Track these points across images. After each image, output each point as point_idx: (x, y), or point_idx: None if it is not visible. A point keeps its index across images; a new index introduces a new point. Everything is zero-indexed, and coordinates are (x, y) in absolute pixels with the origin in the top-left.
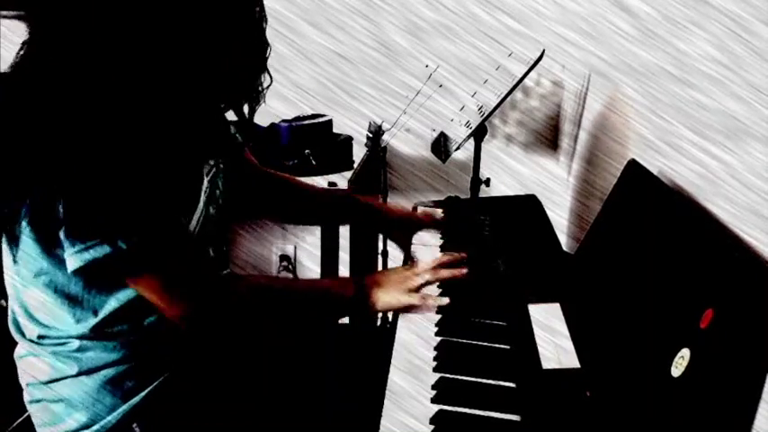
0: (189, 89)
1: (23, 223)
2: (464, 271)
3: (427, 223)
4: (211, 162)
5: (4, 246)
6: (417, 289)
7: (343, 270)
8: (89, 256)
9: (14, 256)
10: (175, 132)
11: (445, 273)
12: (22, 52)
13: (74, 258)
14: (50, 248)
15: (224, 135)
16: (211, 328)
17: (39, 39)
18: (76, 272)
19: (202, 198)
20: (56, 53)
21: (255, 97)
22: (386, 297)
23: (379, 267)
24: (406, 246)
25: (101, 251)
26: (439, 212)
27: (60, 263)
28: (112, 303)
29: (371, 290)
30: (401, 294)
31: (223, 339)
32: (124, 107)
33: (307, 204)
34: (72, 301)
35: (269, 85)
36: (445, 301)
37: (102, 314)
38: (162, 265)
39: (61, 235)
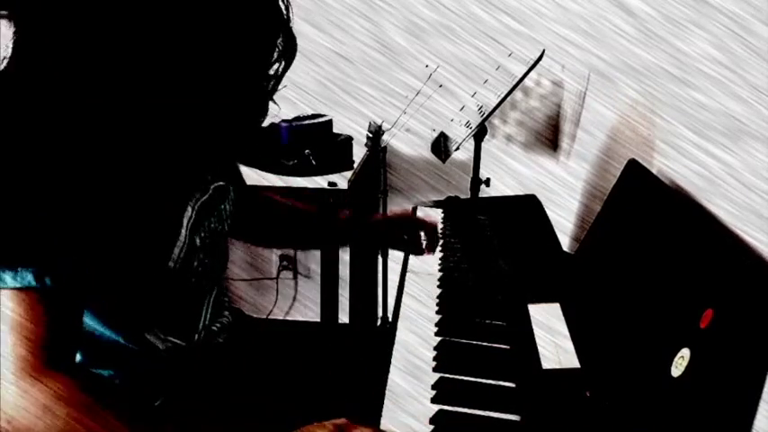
0: (184, 101)
1: None
2: None
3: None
4: (210, 188)
5: None
6: None
7: (343, 269)
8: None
9: None
10: (161, 152)
11: None
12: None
13: None
14: None
15: (227, 160)
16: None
17: (22, 39)
18: None
19: (183, 229)
20: (35, 56)
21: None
22: None
23: (380, 267)
24: (416, 243)
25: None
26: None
27: None
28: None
29: None
30: None
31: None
32: (106, 122)
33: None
34: None
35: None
36: None
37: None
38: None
39: None
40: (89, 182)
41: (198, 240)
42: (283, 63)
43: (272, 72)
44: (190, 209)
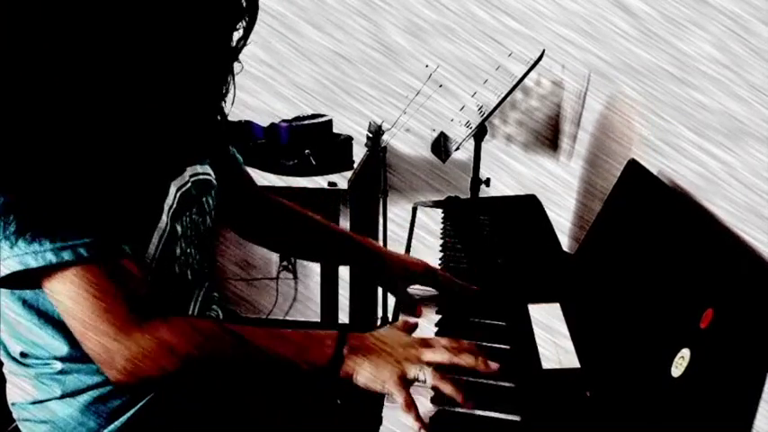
0: (147, 91)
1: None
2: (493, 367)
3: (426, 278)
4: (186, 177)
5: None
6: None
7: (343, 269)
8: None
9: None
10: (134, 138)
11: (468, 359)
12: None
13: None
14: None
15: (210, 146)
16: (135, 377)
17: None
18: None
19: (165, 215)
20: (13, 51)
21: (218, 98)
22: (370, 372)
23: None
24: (400, 293)
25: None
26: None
27: None
28: None
29: (355, 356)
30: (390, 374)
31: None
32: (80, 109)
33: (305, 242)
34: (51, 321)
35: (227, 90)
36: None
37: None
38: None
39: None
40: (88, 160)
41: (179, 228)
42: (246, 21)
43: (235, 33)
44: (171, 195)
